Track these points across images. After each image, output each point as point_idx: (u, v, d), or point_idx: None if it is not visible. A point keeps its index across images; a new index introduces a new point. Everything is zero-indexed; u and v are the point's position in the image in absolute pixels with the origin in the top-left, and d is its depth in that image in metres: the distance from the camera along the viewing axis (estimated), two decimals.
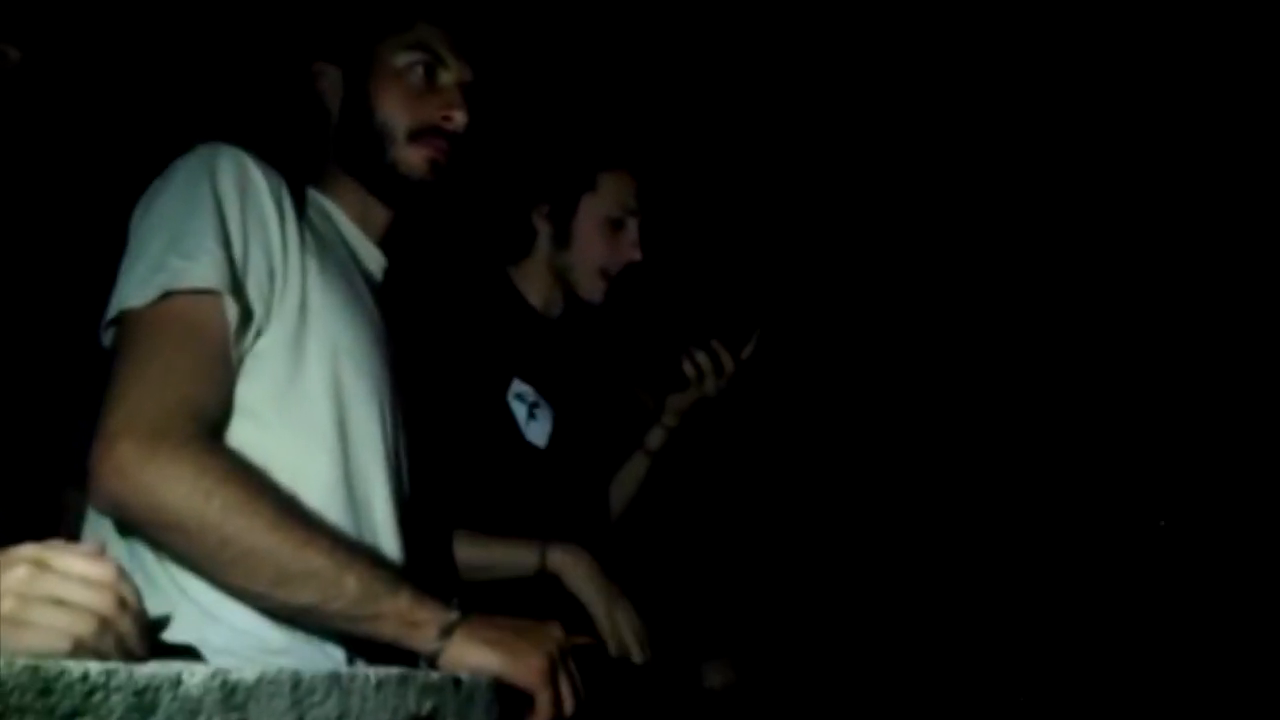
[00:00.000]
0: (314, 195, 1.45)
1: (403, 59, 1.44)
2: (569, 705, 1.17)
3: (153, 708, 0.70)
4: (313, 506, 1.19)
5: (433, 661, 1.13)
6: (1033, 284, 3.42)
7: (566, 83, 2.48)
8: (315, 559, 1.12)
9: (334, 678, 0.87)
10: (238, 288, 1.22)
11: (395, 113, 1.43)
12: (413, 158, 1.43)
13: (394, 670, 0.95)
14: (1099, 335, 3.42)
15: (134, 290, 1.20)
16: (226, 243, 1.22)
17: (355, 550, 1.16)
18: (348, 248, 1.45)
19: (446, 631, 1.14)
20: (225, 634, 1.16)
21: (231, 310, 1.20)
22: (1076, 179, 3.26)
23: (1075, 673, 3.25)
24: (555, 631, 1.19)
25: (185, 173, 1.28)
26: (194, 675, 0.73)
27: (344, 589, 1.12)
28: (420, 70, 1.44)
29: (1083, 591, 3.34)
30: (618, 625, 1.75)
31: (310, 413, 1.27)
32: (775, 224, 3.20)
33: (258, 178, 1.29)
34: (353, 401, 1.31)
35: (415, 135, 1.43)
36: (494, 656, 1.14)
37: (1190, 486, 3.31)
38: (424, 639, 1.14)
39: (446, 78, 1.45)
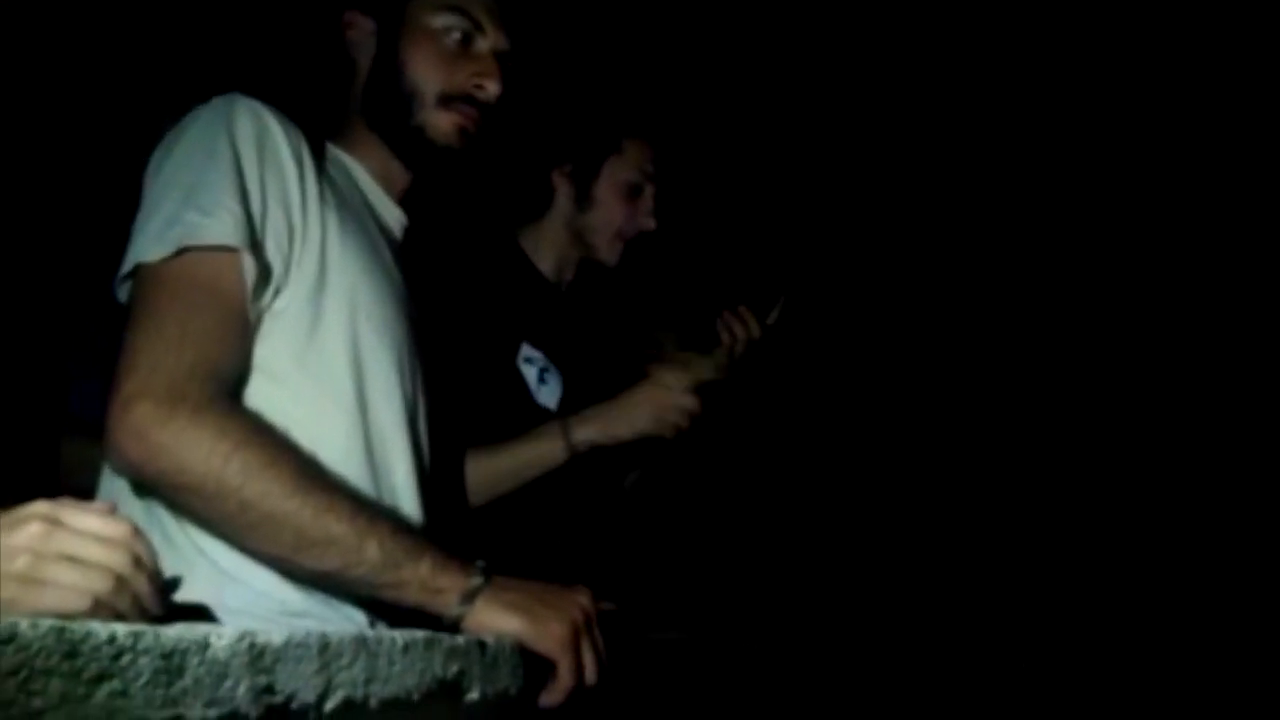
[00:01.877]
0: (333, 150, 1.40)
1: (440, 20, 1.40)
2: (591, 673, 1.14)
3: (180, 670, 0.67)
4: (331, 467, 1.16)
5: (456, 627, 1.11)
6: (1034, 268, 3.39)
7: (594, 45, 2.42)
8: (336, 525, 1.09)
9: (361, 641, 0.84)
10: (256, 244, 1.18)
11: (427, 75, 1.38)
12: (442, 123, 1.39)
13: (420, 634, 0.93)
14: (1100, 324, 3.39)
15: (150, 244, 1.16)
16: (244, 198, 1.18)
17: (377, 516, 1.13)
18: (367, 205, 1.41)
19: (469, 597, 1.12)
20: (244, 595, 1.14)
21: (250, 268, 1.16)
22: (1084, 162, 3.22)
23: (1067, 661, 3.25)
24: (582, 598, 1.17)
25: (202, 124, 1.23)
26: (221, 638, 0.71)
27: (365, 555, 1.10)
28: (457, 34, 1.40)
29: (1076, 579, 3.33)
30: None
31: (329, 372, 1.24)
32: (787, 196, 3.15)
33: (276, 130, 1.25)
34: (372, 361, 1.28)
35: (445, 100, 1.39)
36: (516, 622, 1.12)
37: (1189, 484, 3.29)
38: (446, 605, 1.12)
39: (483, 45, 1.41)
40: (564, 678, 1.12)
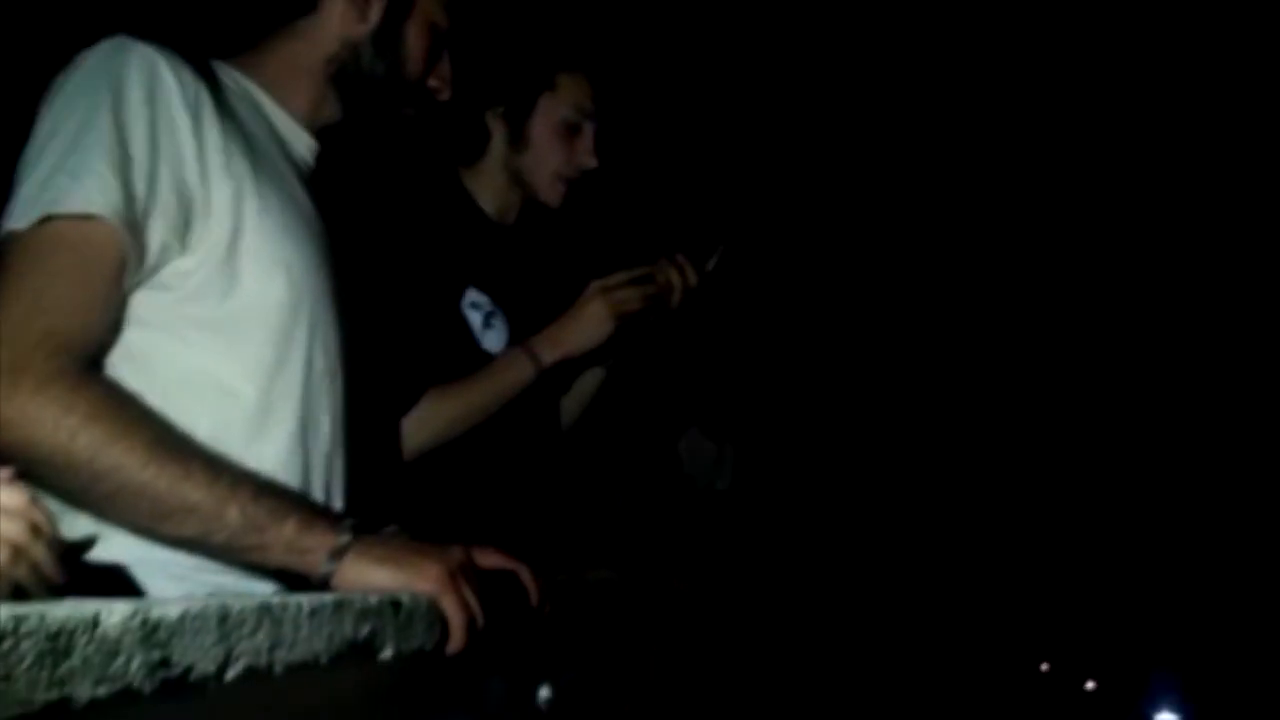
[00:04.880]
0: (234, 77, 1.34)
1: (440, 16, 1.42)
2: (474, 607, 1.14)
3: (67, 652, 0.67)
4: (252, 431, 1.19)
5: (325, 585, 1.11)
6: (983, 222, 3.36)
7: None
8: (194, 492, 1.09)
9: (264, 608, 0.84)
10: (135, 208, 1.14)
11: (417, 70, 1.41)
12: (405, 110, 1.45)
13: (328, 596, 0.93)
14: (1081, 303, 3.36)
15: (19, 210, 1.14)
16: (124, 160, 1.14)
17: (238, 480, 1.13)
18: (276, 136, 1.37)
19: (336, 554, 1.12)
20: (165, 548, 1.13)
21: (122, 234, 1.13)
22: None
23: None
24: (455, 551, 1.17)
25: (84, 77, 1.19)
26: (112, 615, 0.70)
27: (226, 520, 1.10)
28: (441, 31, 1.43)
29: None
30: None
31: (249, 333, 1.23)
32: (739, 139, 3.11)
33: (168, 81, 1.20)
34: (293, 320, 1.26)
35: (417, 93, 1.44)
36: (386, 573, 1.12)
37: (1188, 483, 3.28)
38: (313, 564, 1.12)
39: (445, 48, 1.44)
40: (452, 614, 1.12)
